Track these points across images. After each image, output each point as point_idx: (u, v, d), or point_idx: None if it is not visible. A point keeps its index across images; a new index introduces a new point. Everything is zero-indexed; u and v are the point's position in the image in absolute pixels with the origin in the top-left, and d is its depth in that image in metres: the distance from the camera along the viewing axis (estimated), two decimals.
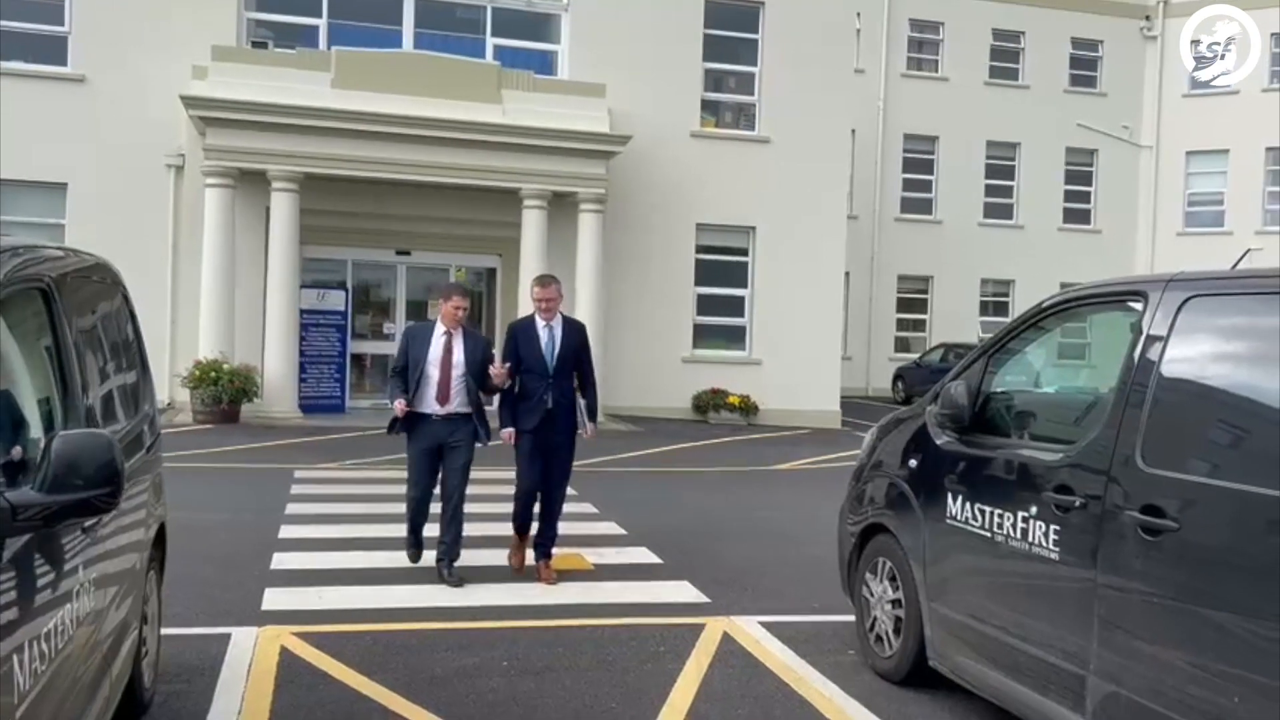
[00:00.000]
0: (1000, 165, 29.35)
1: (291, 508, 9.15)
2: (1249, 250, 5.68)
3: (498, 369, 6.71)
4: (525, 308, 17.66)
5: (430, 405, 6.66)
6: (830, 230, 19.36)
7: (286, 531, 8.15)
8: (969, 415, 4.56)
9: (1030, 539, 4.04)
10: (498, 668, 5.14)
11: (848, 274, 25.79)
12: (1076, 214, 29.95)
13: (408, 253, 18.24)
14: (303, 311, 16.61)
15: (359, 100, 15.77)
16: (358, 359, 18.36)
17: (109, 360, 3.78)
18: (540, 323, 6.88)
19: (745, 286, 19.25)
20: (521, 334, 6.90)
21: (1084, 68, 29.85)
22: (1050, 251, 28.39)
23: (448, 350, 6.69)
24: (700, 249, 18.93)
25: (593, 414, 7.09)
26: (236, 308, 15.87)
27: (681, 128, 18.48)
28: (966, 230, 28.75)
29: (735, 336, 19.30)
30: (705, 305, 19.20)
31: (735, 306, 19.31)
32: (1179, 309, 3.61)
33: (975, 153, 28.95)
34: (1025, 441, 4.41)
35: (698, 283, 19.00)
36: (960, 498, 4.54)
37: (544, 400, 6.77)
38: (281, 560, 7.20)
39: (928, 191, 29.01)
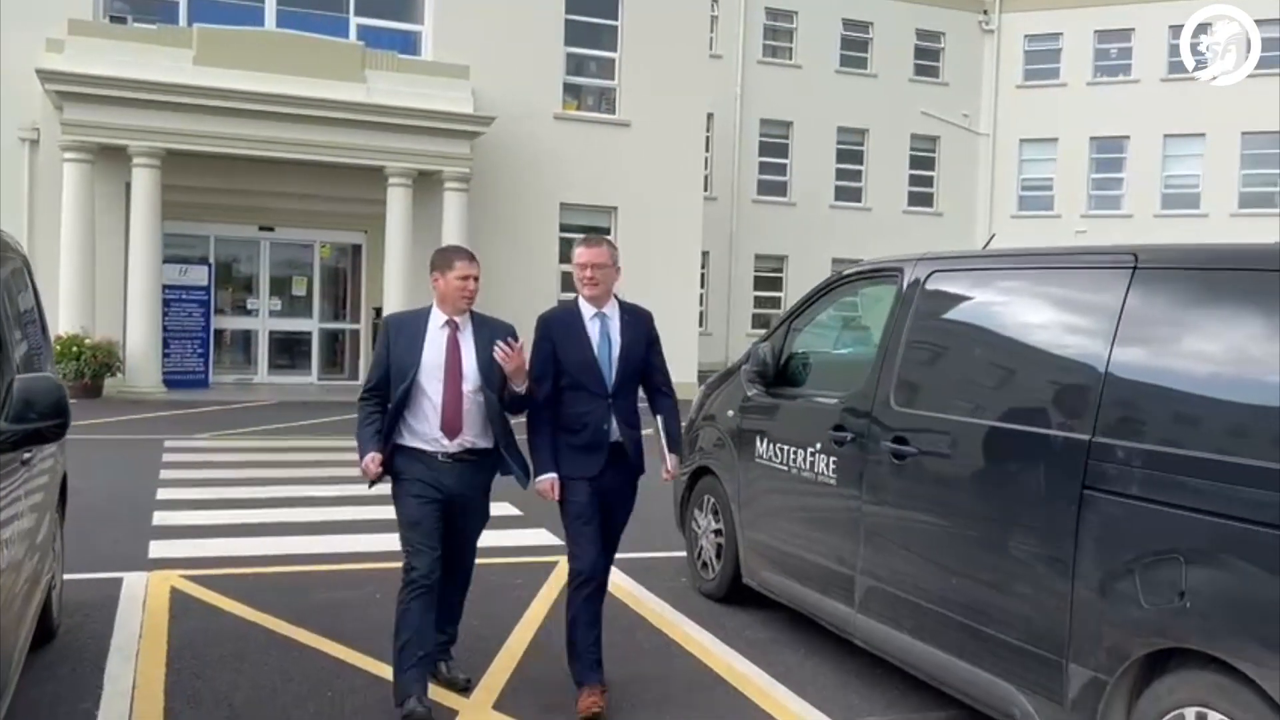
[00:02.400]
0: (850, 150, 30.90)
1: (166, 474, 9.55)
2: (994, 235, 6.76)
3: (507, 350, 4.16)
4: (395, 285, 18.29)
5: (430, 438, 4.21)
6: (687, 210, 20.33)
7: (164, 494, 8.58)
8: (773, 371, 5.46)
9: (815, 470, 4.95)
10: (372, 600, 5.81)
11: (707, 253, 27.03)
12: (920, 197, 31.79)
13: (271, 229, 18.44)
14: (165, 287, 16.68)
15: (221, 77, 15.88)
16: (220, 334, 18.54)
17: (25, 323, 4.31)
18: (587, 311, 4.35)
19: None
20: (560, 329, 4.35)
21: (927, 58, 31.63)
22: (896, 233, 30.04)
23: (454, 351, 4.24)
24: (564, 228, 19.64)
25: (676, 441, 4.54)
26: (97, 283, 15.86)
27: (544, 110, 19.13)
28: (819, 212, 30.22)
29: None
30: (569, 282, 19.90)
31: None
32: (923, 281, 4.55)
33: (827, 138, 30.41)
34: (814, 391, 5.33)
35: (562, 260, 19.69)
36: (766, 440, 5.43)
37: (604, 431, 4.31)
38: (163, 518, 7.68)
39: (783, 175, 30.33)
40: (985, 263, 4.47)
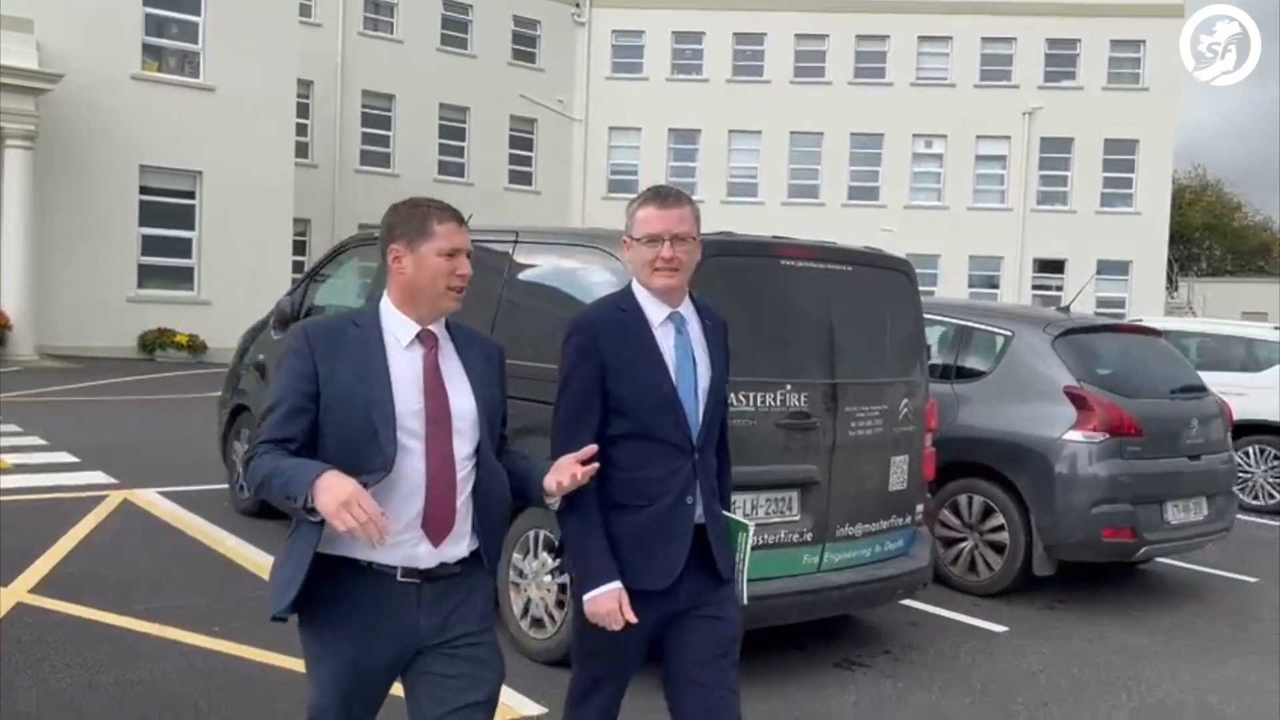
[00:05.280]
0: (452, 126, 32.12)
1: None
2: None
3: (575, 465, 2.50)
4: None
5: (400, 546, 2.35)
6: (278, 177, 20.66)
7: None
8: (291, 319, 6.60)
9: None
10: None
11: (309, 220, 27.25)
12: (520, 175, 33.71)
13: None
14: None
15: None
16: None
17: None
18: (654, 312, 2.69)
19: (193, 229, 19.96)
20: (614, 341, 2.66)
21: (525, 44, 33.52)
22: (498, 208, 31.63)
23: (435, 384, 2.43)
24: (145, 190, 19.29)
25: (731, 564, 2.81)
26: None
27: (121, 70, 18.69)
28: (423, 184, 31.08)
29: (183, 277, 19.99)
30: (152, 246, 19.62)
31: (183, 248, 19.96)
32: (514, 248, 5.71)
33: (429, 113, 31.44)
34: None
35: (142, 224, 19.36)
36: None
37: (685, 508, 2.67)
38: None
39: (386, 146, 31.00)
40: (545, 238, 5.66)
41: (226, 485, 7.50)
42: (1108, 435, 5.97)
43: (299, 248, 24.73)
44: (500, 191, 32.68)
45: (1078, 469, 5.94)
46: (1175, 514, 6.27)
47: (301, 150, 26.03)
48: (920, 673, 4.95)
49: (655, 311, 2.67)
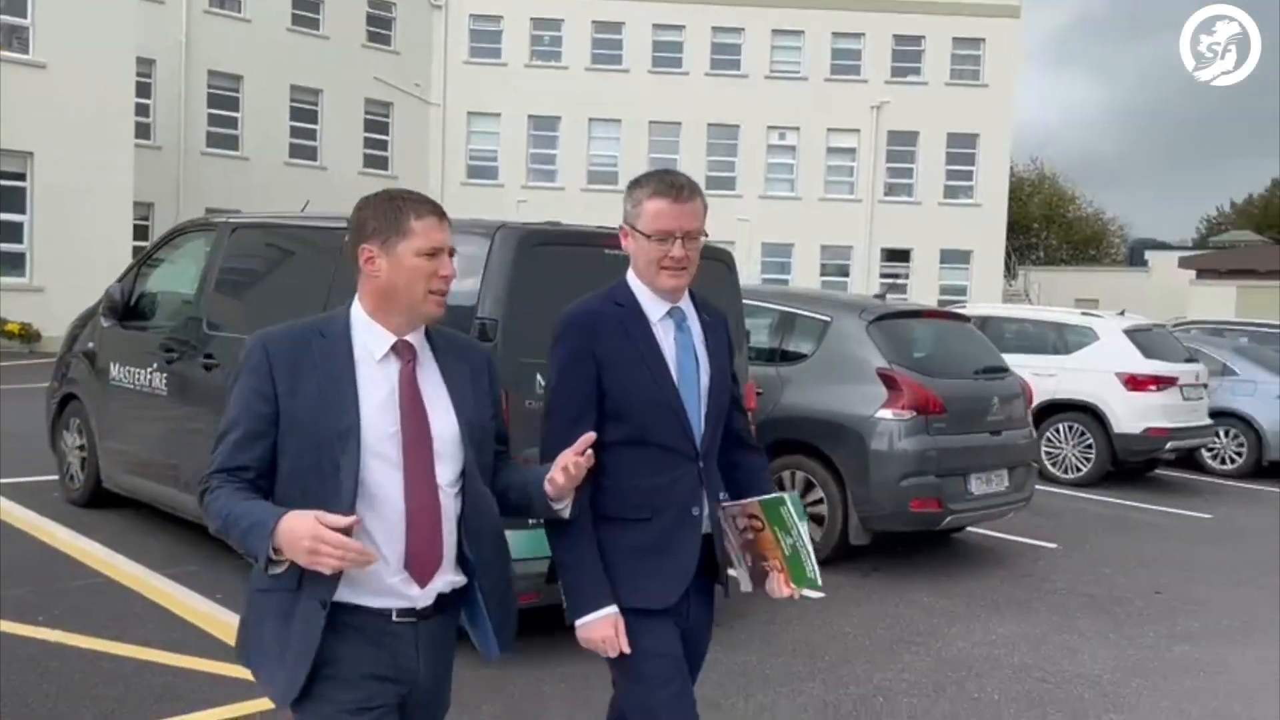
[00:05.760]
0: (304, 109, 31.35)
1: None
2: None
3: (578, 456, 2.19)
4: None
5: (379, 586, 2.12)
6: (116, 158, 19.86)
7: None
8: (122, 307, 6.50)
9: (154, 386, 6.11)
10: None
11: (152, 205, 26.26)
12: (376, 160, 33.12)
13: None
14: None
15: None
16: None
17: None
18: (653, 308, 2.49)
19: (24, 212, 19.04)
20: (612, 338, 2.45)
21: (380, 26, 32.93)
22: (354, 192, 30.54)
23: (413, 403, 2.15)
24: None
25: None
26: None
27: None
28: (273, 168, 30.33)
29: (14, 263, 19.04)
30: None
31: (13, 232, 19.02)
32: (230, 234, 5.88)
33: (280, 95, 30.60)
34: (155, 322, 6.47)
35: None
36: (118, 364, 6.47)
37: (692, 520, 2.50)
38: None
39: (234, 128, 30.05)
40: (269, 219, 5.93)
41: (57, 476, 7.32)
42: (915, 413, 6.43)
43: (141, 232, 23.83)
44: (355, 176, 31.99)
45: (888, 445, 6.39)
46: (978, 485, 6.79)
47: (143, 131, 25.04)
48: (738, 637, 5.28)
49: (654, 307, 2.46)
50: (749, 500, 2.51)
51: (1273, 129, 79.26)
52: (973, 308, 12.44)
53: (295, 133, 31.10)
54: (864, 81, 34.16)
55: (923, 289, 32.16)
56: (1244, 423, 11.71)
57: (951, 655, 5.29)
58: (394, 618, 2.11)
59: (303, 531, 1.89)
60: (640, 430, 2.41)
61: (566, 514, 2.27)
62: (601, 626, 2.36)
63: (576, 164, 34.58)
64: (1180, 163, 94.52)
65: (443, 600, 2.17)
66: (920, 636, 5.54)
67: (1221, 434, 11.69)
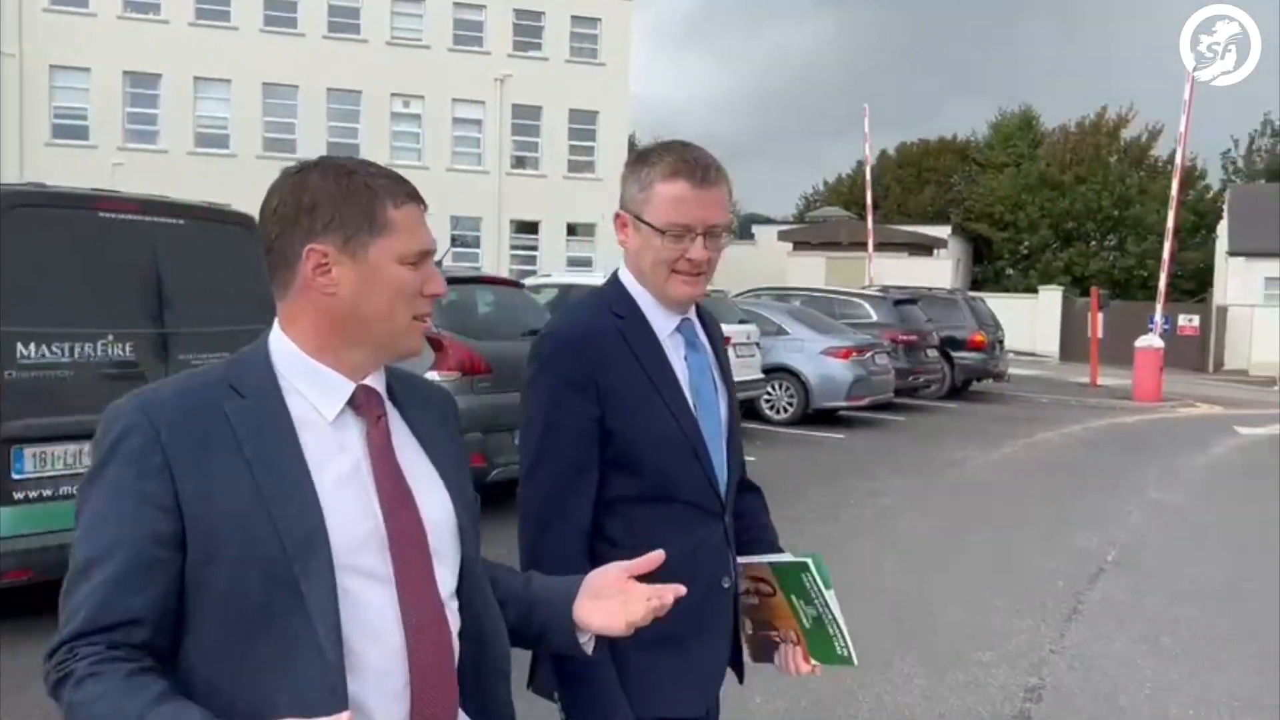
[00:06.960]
0: None
1: None
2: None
3: (661, 599, 1.46)
4: None
5: None
6: None
7: None
8: None
9: None
10: None
11: None
12: None
13: None
14: None
15: None
16: None
17: None
18: (662, 322, 1.90)
19: None
20: (610, 365, 1.82)
21: None
22: None
23: (388, 476, 1.37)
24: None
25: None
26: None
27: None
28: None
29: None
30: None
31: None
32: None
33: None
34: None
35: None
36: None
37: (722, 594, 1.91)
38: None
39: None
40: None
41: None
42: (460, 374, 6.73)
43: None
44: None
45: None
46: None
47: None
48: None
49: (662, 320, 1.87)
50: (756, 560, 1.94)
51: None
52: (558, 277, 13.09)
53: None
54: (487, 54, 34.49)
55: (552, 260, 33.12)
56: (794, 376, 13.20)
57: None
58: None
59: None
60: (658, 483, 1.82)
61: (590, 650, 1.53)
62: None
63: (181, 125, 32.24)
64: (787, 143, 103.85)
65: None
66: None
67: (776, 386, 13.12)
